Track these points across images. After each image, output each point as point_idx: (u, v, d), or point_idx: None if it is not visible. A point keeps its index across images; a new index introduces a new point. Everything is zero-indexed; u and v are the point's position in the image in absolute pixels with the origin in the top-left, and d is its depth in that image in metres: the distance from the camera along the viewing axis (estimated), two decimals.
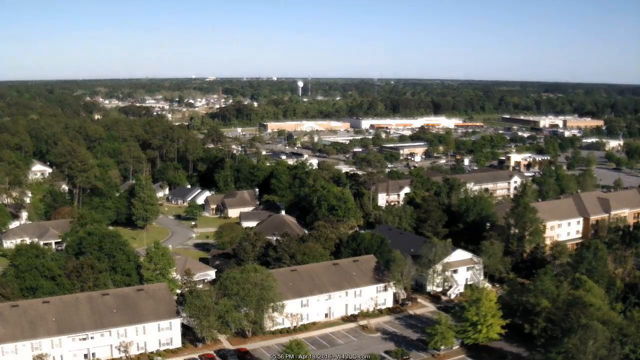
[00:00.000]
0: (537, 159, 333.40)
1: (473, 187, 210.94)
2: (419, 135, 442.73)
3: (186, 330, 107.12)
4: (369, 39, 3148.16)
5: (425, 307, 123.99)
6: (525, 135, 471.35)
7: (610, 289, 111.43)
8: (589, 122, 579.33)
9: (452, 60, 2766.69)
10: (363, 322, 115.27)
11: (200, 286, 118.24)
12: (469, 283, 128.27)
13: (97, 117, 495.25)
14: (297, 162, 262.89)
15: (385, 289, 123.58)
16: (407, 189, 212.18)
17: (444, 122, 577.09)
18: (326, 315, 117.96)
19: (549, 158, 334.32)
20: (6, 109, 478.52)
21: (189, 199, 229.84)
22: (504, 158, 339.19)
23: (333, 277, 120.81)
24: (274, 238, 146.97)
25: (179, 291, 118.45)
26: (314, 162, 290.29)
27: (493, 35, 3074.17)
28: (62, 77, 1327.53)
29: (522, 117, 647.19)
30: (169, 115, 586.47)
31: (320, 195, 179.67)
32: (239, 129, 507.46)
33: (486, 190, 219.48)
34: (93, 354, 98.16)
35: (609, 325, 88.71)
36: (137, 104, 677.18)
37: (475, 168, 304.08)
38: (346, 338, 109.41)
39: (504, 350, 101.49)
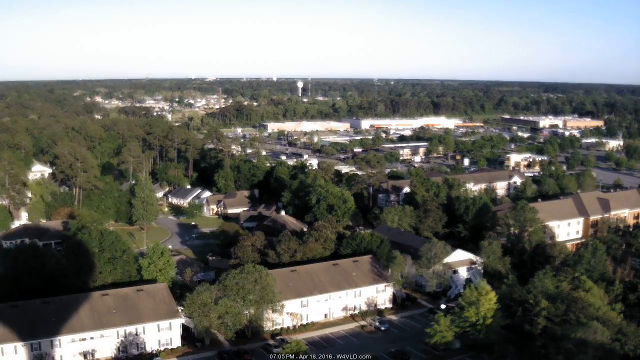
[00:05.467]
0: (536, 159, 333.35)
1: (473, 187, 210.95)
2: (419, 135, 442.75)
3: (186, 330, 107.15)
4: (369, 39, 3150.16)
5: (425, 307, 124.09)
6: (525, 135, 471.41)
7: (609, 289, 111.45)
8: (588, 122, 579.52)
9: (452, 60, 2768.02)
10: (363, 322, 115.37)
11: (200, 286, 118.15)
12: (468, 283, 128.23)
13: (97, 117, 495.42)
14: (297, 162, 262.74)
15: (385, 289, 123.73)
16: (406, 189, 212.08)
17: (443, 123, 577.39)
18: (326, 315, 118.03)
19: (548, 158, 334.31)
20: (6, 109, 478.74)
21: (189, 198, 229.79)
22: (503, 158, 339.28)
23: (333, 277, 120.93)
24: (274, 238, 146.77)
25: (178, 291, 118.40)
26: (314, 162, 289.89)
27: (493, 35, 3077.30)
28: (62, 77, 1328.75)
29: (521, 117, 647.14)
30: (169, 116, 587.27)
31: (319, 195, 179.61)
32: (239, 129, 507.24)
33: (486, 190, 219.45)
34: (93, 354, 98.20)
35: (609, 325, 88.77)
36: (137, 104, 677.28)
37: (475, 168, 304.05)
38: (346, 338, 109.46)
39: (504, 350, 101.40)
